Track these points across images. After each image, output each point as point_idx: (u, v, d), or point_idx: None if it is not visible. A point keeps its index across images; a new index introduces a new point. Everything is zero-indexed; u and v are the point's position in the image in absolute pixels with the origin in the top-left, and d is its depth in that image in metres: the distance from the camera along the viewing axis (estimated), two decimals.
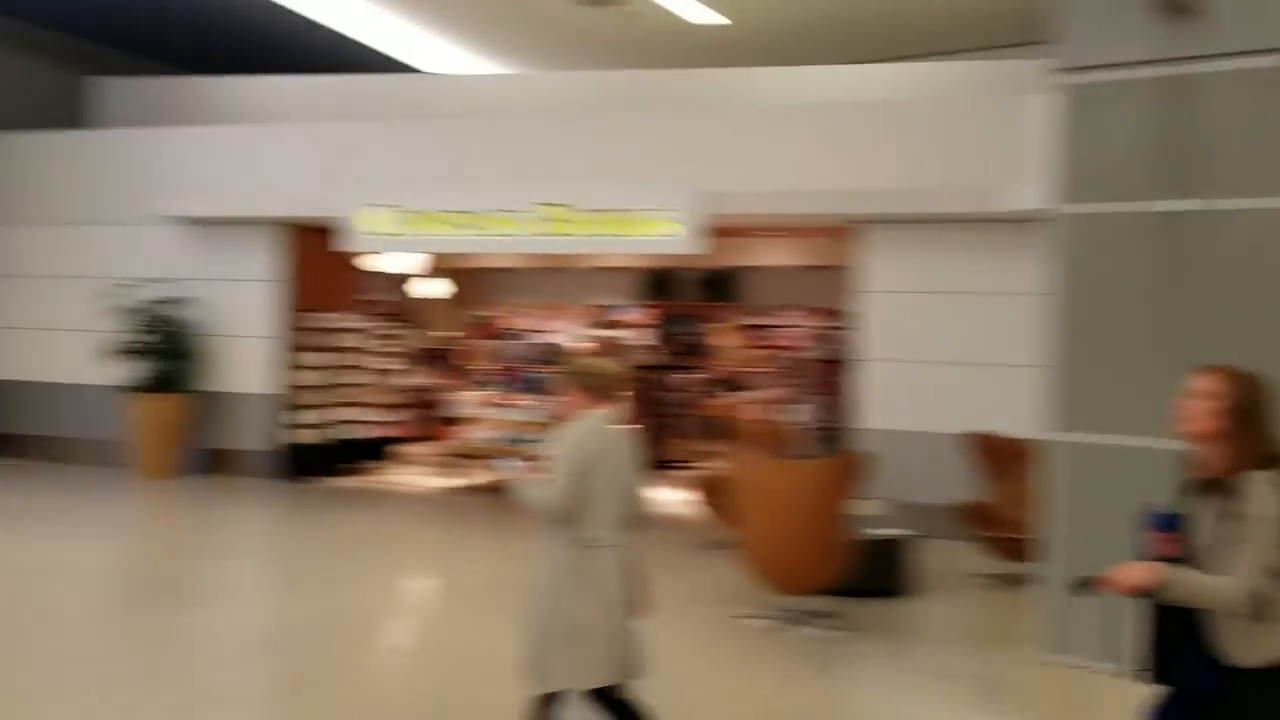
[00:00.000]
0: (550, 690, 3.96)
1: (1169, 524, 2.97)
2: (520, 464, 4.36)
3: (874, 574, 7.04)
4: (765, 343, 16.11)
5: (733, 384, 14.69)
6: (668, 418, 13.15)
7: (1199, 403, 2.96)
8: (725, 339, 16.41)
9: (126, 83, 13.84)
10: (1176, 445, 3.12)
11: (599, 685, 3.90)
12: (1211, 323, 5.49)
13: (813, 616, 6.55)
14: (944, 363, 9.54)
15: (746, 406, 13.45)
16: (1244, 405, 2.91)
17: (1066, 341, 5.86)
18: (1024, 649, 6.09)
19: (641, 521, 4.12)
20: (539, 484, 3.89)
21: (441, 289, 15.15)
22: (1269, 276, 5.45)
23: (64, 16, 14.71)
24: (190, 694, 5.15)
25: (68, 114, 13.82)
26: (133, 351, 11.20)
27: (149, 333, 11.25)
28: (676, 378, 13.47)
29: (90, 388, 11.80)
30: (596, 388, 4.04)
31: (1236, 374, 2.97)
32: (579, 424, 3.99)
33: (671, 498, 11.13)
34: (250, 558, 8.77)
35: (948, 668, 6.00)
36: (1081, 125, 5.88)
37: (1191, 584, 2.84)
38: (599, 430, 3.97)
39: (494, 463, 4.55)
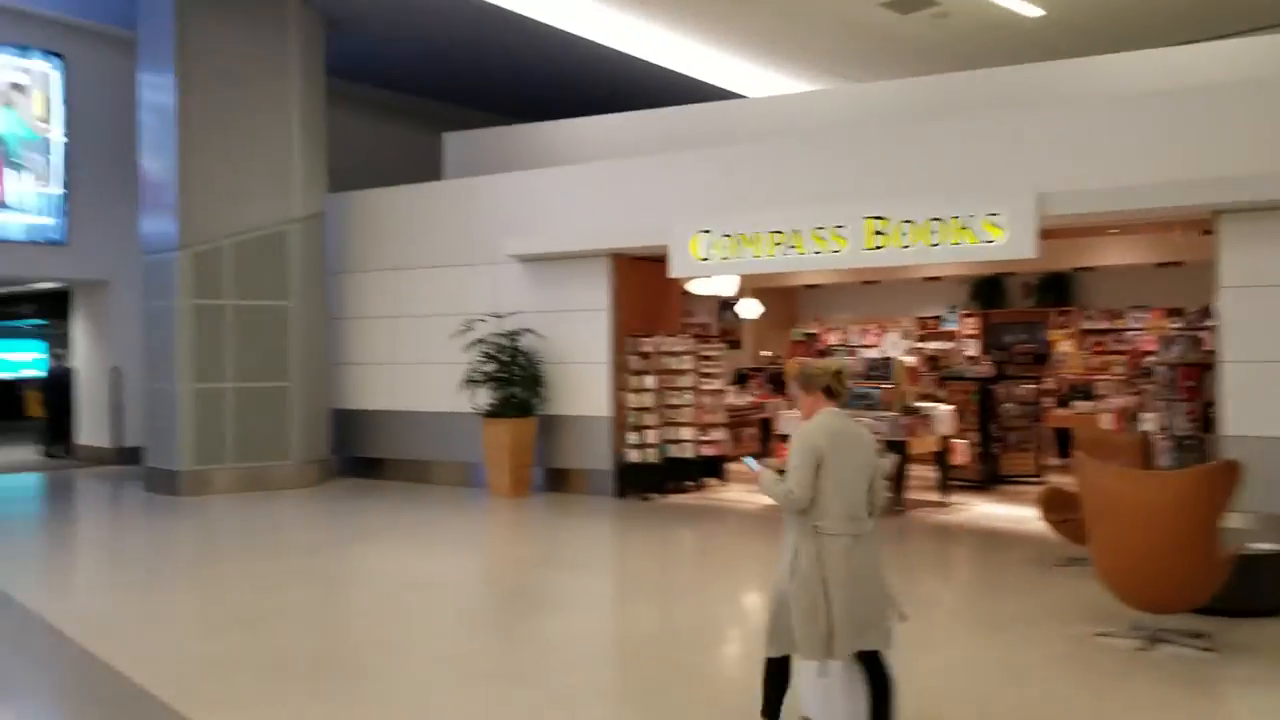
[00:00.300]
0: (780, 655, 4.36)
1: None
2: (759, 462, 4.63)
3: (1248, 591, 6.39)
4: (1111, 347, 15.06)
5: (1077, 392, 13.82)
6: (1006, 430, 12.53)
7: None
8: (1066, 345, 15.50)
9: (475, 135, 15.16)
10: None
11: (823, 658, 4.22)
12: None
13: (1180, 635, 6.02)
14: None
15: (1093, 416, 12.61)
16: None
17: None
18: None
19: (881, 511, 4.39)
20: (777, 478, 4.27)
21: (761, 308, 15.33)
22: None
23: (423, 83, 16.50)
24: (552, 692, 5.52)
25: (429, 168, 15.36)
26: (485, 380, 12.19)
27: (499, 362, 12.21)
28: (1014, 388, 12.83)
29: (449, 414, 12.95)
30: (824, 388, 4.35)
31: None
32: (811, 422, 4.31)
33: (1014, 513, 10.63)
34: (594, 570, 9.25)
35: None
36: None
37: None
38: (829, 427, 4.26)
39: (743, 461, 4.93)
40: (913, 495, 11.06)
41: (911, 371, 11.35)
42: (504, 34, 14.10)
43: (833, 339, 16.20)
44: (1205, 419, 9.32)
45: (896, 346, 12.27)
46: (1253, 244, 8.79)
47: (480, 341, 12.25)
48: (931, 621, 7.21)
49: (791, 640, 4.27)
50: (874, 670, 4.35)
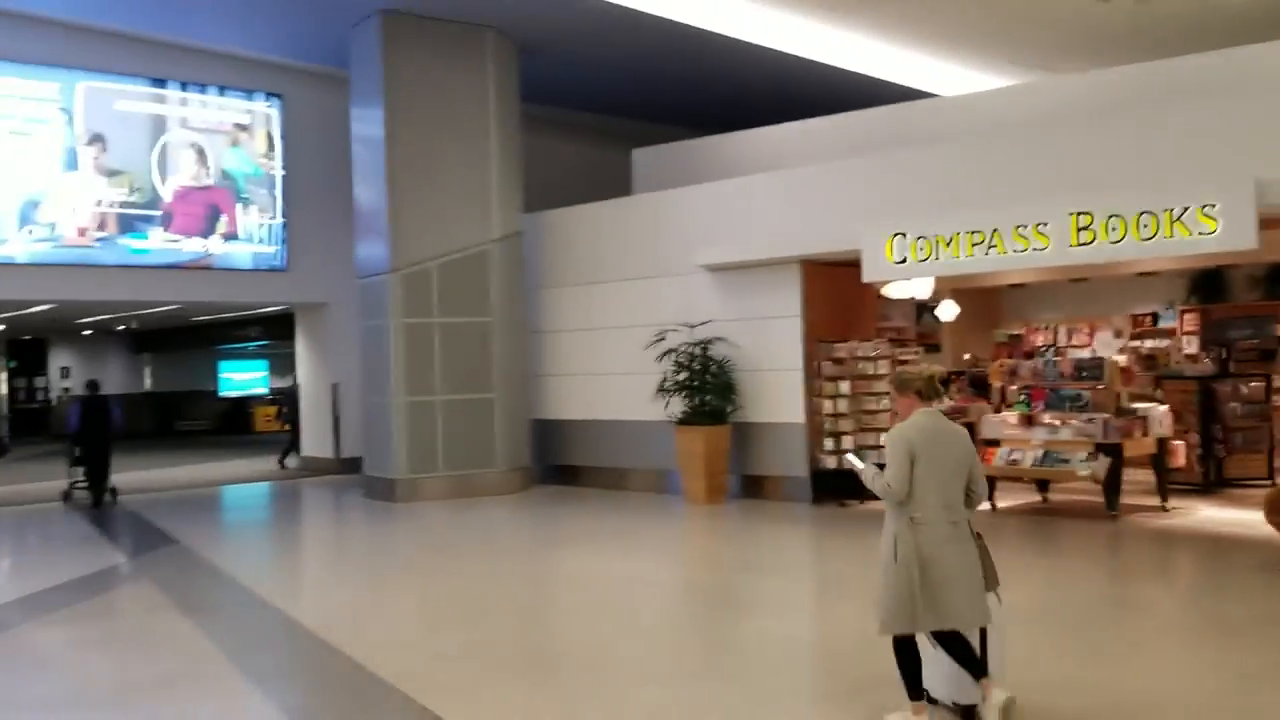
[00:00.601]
0: (889, 634, 4.75)
1: None
2: (860, 459, 5.04)
3: None
4: None
5: None
6: (1232, 431, 11.76)
7: None
8: None
9: (663, 149, 15.44)
10: None
11: (923, 630, 4.67)
12: None
13: None
14: None
15: None
16: None
17: None
18: None
19: (978, 503, 4.81)
20: (878, 473, 4.72)
21: (959, 310, 14.92)
22: None
23: (611, 102, 16.96)
24: (755, 691, 5.58)
25: (619, 184, 15.73)
26: (678, 389, 12.37)
27: (691, 371, 12.36)
28: (1239, 387, 12.03)
29: (644, 423, 13.19)
30: (918, 391, 4.79)
31: None
32: (906, 422, 4.77)
33: (1240, 517, 10.00)
34: (794, 574, 9.24)
35: None
36: None
37: None
38: (921, 426, 4.71)
39: (845, 457, 5.23)
40: (1128, 500, 10.55)
41: (1124, 371, 10.83)
42: (689, 50, 14.32)
43: (1039, 340, 15.59)
44: None
45: (1109, 346, 11.72)
46: None
47: (673, 351, 12.44)
48: (1151, 626, 6.89)
49: (897, 618, 4.67)
50: (952, 643, 4.76)
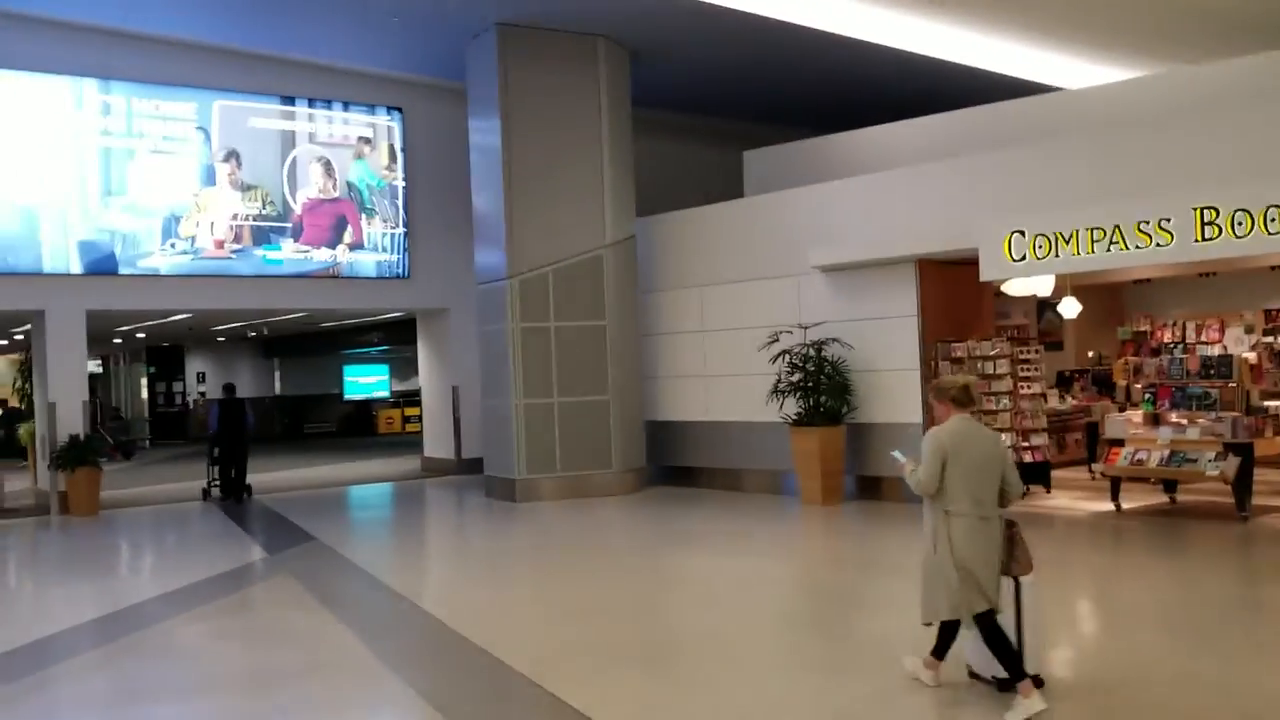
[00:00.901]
0: (930, 623, 5.29)
1: None
2: (904, 456, 5.55)
3: None
4: None
5: None
6: None
7: None
8: None
9: (775, 150, 15.48)
10: None
11: (953, 617, 5.14)
12: None
13: None
14: None
15: None
16: None
17: None
18: None
19: (1010, 501, 5.26)
20: (915, 470, 5.24)
21: (1081, 307, 14.57)
22: None
23: (722, 104, 17.07)
24: (873, 685, 5.64)
25: (731, 186, 15.83)
26: (792, 390, 12.40)
27: (805, 372, 12.38)
28: None
29: (758, 424, 13.26)
30: (953, 398, 5.28)
31: None
32: (941, 426, 5.28)
33: None
34: (907, 574, 9.05)
35: None
36: None
37: None
38: (954, 430, 5.21)
39: (891, 454, 5.85)
40: (1260, 500, 10.20)
41: (1255, 368, 10.48)
42: (800, 50, 14.33)
43: (1166, 336, 15.12)
44: None
45: (1240, 342, 11.35)
46: None
47: (787, 352, 12.48)
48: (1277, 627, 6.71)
49: (937, 607, 5.19)
50: (988, 626, 5.12)
